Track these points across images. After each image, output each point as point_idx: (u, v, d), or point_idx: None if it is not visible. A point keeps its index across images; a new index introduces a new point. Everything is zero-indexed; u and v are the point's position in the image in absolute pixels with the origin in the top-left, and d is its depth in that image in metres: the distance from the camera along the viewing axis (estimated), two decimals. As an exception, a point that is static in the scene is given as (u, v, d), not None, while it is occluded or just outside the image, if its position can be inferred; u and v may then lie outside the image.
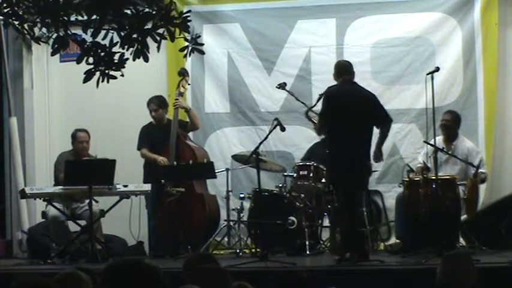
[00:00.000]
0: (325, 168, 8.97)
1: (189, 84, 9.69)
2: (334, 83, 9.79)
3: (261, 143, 8.85)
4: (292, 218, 8.93)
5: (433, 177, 8.20)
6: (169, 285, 3.43)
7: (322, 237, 9.36)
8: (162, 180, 9.22)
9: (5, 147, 10.53)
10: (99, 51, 5.40)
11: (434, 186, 8.16)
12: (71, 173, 8.84)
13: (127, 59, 5.40)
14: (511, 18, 9.83)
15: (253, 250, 9.02)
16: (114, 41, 5.38)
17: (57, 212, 9.08)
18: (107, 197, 9.14)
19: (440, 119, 8.96)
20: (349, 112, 8.02)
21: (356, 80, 9.34)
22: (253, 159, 8.77)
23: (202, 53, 5.85)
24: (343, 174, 7.99)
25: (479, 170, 8.71)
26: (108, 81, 5.43)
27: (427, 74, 8.30)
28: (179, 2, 9.31)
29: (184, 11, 6.19)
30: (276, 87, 8.84)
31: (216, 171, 9.12)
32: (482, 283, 4.77)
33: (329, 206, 9.04)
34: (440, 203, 8.15)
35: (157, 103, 9.52)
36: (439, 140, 8.81)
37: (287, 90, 8.97)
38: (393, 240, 9.39)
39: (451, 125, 8.99)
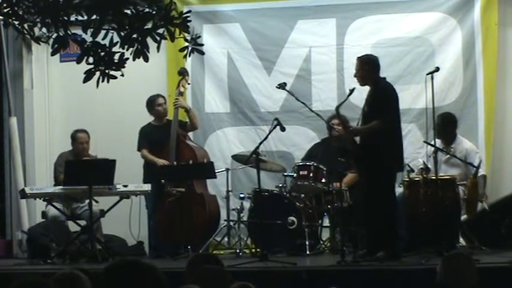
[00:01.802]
0: (325, 169, 8.97)
1: (188, 84, 9.69)
2: (335, 82, 9.77)
3: (261, 143, 8.85)
4: (292, 218, 8.93)
5: (433, 177, 8.19)
6: (168, 285, 3.43)
7: (322, 237, 9.36)
8: (162, 180, 9.23)
9: (5, 147, 10.53)
10: (99, 51, 5.40)
11: (434, 186, 8.15)
12: (71, 173, 8.85)
13: (127, 59, 5.40)
14: (511, 18, 9.82)
15: (253, 250, 9.02)
16: (114, 41, 5.38)
17: (57, 212, 9.08)
18: (107, 197, 9.14)
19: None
20: None
21: (356, 80, 9.36)
22: (253, 159, 8.77)
23: (202, 53, 5.85)
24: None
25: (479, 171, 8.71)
26: (108, 81, 5.43)
27: (427, 74, 8.29)
28: (179, 2, 9.31)
29: (184, 11, 6.20)
30: (276, 87, 8.83)
31: (216, 171, 9.12)
32: (482, 283, 4.77)
33: (329, 206, 9.04)
34: (440, 203, 8.15)
35: (163, 97, 9.56)
36: (439, 141, 8.79)
37: (287, 90, 8.96)
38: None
39: (441, 128, 8.84)
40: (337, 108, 8.26)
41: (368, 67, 8.11)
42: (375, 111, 7.96)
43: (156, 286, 3.40)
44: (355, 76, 8.21)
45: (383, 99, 8.04)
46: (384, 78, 8.22)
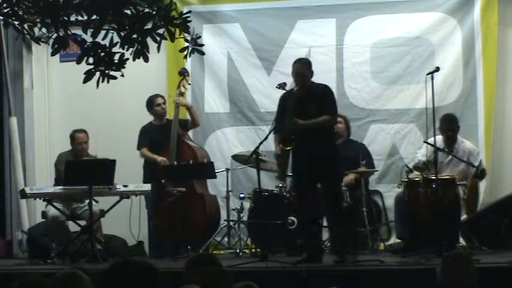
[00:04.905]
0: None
1: (189, 84, 9.70)
2: (334, 82, 9.79)
3: (261, 143, 8.85)
4: (292, 218, 8.92)
5: (433, 177, 8.19)
6: (165, 285, 3.44)
7: (322, 237, 9.35)
8: (162, 180, 9.23)
9: (5, 147, 10.53)
10: (99, 51, 5.40)
11: (434, 186, 8.16)
12: (71, 173, 8.85)
13: (127, 59, 5.40)
14: (511, 18, 9.83)
15: (253, 250, 9.02)
16: (114, 41, 5.38)
17: (57, 212, 9.08)
18: (107, 197, 9.14)
19: (442, 126, 8.79)
20: None
21: (356, 79, 9.37)
22: (253, 159, 8.77)
23: (202, 53, 5.85)
24: None
25: (480, 168, 8.69)
26: (108, 82, 5.43)
27: (427, 74, 8.29)
28: (179, 2, 9.31)
29: (185, 11, 6.21)
30: (276, 87, 8.81)
31: (216, 171, 9.12)
32: (482, 283, 4.77)
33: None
34: (440, 203, 8.15)
35: (162, 97, 9.56)
36: (439, 139, 8.77)
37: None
38: (393, 240, 9.39)
39: (454, 134, 8.89)
40: None
41: (310, 69, 8.12)
42: (325, 109, 7.95)
43: (154, 286, 3.40)
44: (299, 81, 8.05)
45: (331, 98, 8.07)
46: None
